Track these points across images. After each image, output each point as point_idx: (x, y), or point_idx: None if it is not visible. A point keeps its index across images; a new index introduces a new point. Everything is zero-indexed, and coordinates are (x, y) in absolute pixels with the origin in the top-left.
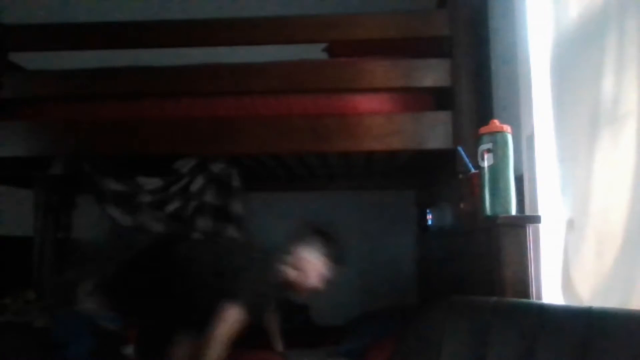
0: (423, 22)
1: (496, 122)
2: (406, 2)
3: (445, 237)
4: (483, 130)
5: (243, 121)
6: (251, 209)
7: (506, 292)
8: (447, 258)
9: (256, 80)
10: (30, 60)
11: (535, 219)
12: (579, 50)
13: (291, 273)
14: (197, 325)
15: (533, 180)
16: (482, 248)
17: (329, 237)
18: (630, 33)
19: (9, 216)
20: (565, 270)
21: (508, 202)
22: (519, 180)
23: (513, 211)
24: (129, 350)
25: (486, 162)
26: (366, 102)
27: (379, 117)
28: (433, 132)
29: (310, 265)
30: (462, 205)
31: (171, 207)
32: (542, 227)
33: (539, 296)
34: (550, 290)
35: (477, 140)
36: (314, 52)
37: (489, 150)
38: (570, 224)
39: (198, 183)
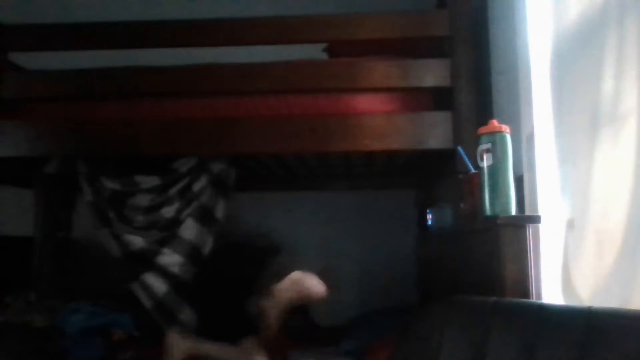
0: (423, 22)
1: (495, 122)
2: (406, 2)
3: (445, 237)
4: (482, 130)
5: (243, 121)
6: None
7: (506, 292)
8: (447, 258)
9: (256, 80)
10: (30, 60)
11: (535, 219)
12: (579, 51)
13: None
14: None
15: (533, 180)
16: (482, 248)
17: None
18: (630, 33)
19: (9, 216)
20: (565, 270)
21: (508, 202)
22: (519, 180)
23: (513, 211)
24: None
25: (485, 162)
26: (366, 102)
27: (379, 117)
28: (433, 132)
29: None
30: (462, 205)
31: (168, 210)
32: (542, 227)
33: (539, 296)
34: (550, 290)
35: (477, 140)
36: (314, 52)
37: (488, 151)
38: (570, 224)
39: (201, 183)
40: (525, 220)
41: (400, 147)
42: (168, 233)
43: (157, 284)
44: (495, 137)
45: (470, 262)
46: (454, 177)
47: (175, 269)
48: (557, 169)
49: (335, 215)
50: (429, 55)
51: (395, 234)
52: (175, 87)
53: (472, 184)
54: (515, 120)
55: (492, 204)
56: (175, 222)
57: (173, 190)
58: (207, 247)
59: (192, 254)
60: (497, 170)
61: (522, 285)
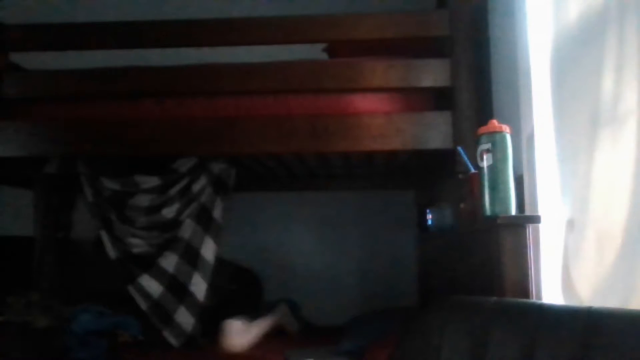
0: (423, 22)
1: (495, 122)
2: (406, 2)
3: (445, 237)
4: (482, 130)
5: (243, 121)
6: (250, 209)
7: (506, 292)
8: (447, 258)
9: (256, 80)
10: (30, 60)
11: (535, 219)
12: (579, 50)
13: None
14: None
15: (533, 180)
16: (482, 248)
17: None
18: (630, 33)
19: (9, 216)
20: (565, 270)
21: (508, 202)
22: (519, 180)
23: (513, 211)
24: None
25: (485, 162)
26: (366, 102)
27: (379, 117)
28: (433, 132)
29: None
30: (462, 205)
31: (169, 211)
32: (542, 227)
33: (539, 296)
34: (550, 290)
35: (477, 140)
36: (314, 52)
37: (488, 151)
38: (570, 224)
39: (200, 183)
40: (525, 220)
41: (400, 147)
42: (169, 235)
43: (153, 286)
44: (495, 137)
45: (470, 262)
46: (454, 177)
47: (171, 269)
48: (557, 169)
49: (335, 215)
50: (429, 55)
51: (395, 234)
52: (175, 87)
53: (472, 184)
54: (515, 120)
55: (492, 204)
56: (175, 223)
57: (173, 191)
58: (207, 248)
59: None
60: (497, 170)
61: (522, 285)
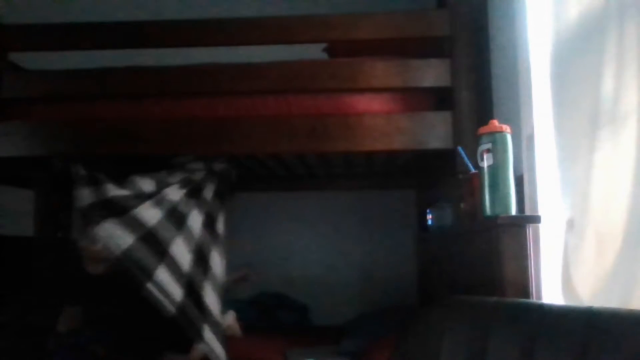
0: (423, 22)
1: (495, 122)
2: (406, 2)
3: (445, 237)
4: (482, 130)
5: (243, 121)
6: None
7: (506, 292)
8: (447, 258)
9: (256, 80)
10: (30, 60)
11: (535, 219)
12: (579, 50)
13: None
14: None
15: (533, 180)
16: (482, 248)
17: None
18: (630, 33)
19: (9, 216)
20: (565, 270)
21: (508, 202)
22: (519, 180)
23: (513, 211)
24: None
25: (485, 162)
26: (366, 102)
27: (379, 117)
28: (433, 132)
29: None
30: (462, 205)
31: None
32: (542, 227)
33: (539, 296)
34: (550, 290)
35: (477, 140)
36: (314, 52)
37: (488, 151)
38: (570, 224)
39: (200, 173)
40: (525, 220)
41: (400, 147)
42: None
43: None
44: (496, 137)
45: (470, 262)
46: (454, 177)
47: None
48: (557, 169)
49: (335, 215)
50: (429, 55)
51: (395, 234)
52: (175, 87)
53: (472, 184)
54: (515, 120)
55: (492, 204)
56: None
57: (172, 180)
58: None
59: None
60: (497, 170)
61: (522, 285)
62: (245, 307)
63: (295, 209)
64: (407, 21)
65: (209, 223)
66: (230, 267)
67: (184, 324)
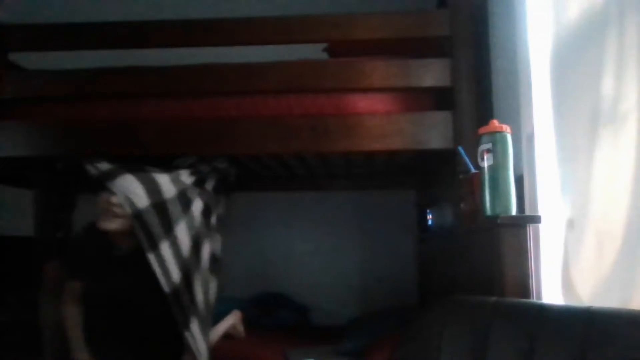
0: (423, 22)
1: (495, 122)
2: (406, 2)
3: (445, 237)
4: (482, 130)
5: (243, 121)
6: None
7: (506, 292)
8: (447, 258)
9: (256, 80)
10: (30, 60)
11: (535, 219)
12: (579, 50)
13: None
14: None
15: (533, 180)
16: (482, 248)
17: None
18: (630, 33)
19: (9, 216)
20: (565, 270)
21: (508, 202)
22: (519, 180)
23: (513, 211)
24: None
25: (486, 162)
26: (366, 102)
27: (379, 117)
28: (433, 132)
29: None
30: (462, 205)
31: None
32: (542, 227)
33: (539, 296)
34: (550, 290)
35: (477, 140)
36: (314, 52)
37: (488, 151)
38: (570, 224)
39: (206, 168)
40: (525, 220)
41: (400, 147)
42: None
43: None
44: (496, 137)
45: (470, 262)
46: (454, 177)
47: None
48: (557, 169)
49: (335, 215)
50: (429, 55)
51: (396, 234)
52: (176, 87)
53: (473, 184)
54: (515, 120)
55: (492, 204)
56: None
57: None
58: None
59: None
60: (497, 170)
61: (522, 285)
62: (245, 307)
63: (295, 209)
64: (407, 21)
65: (206, 214)
66: (230, 267)
67: (176, 309)
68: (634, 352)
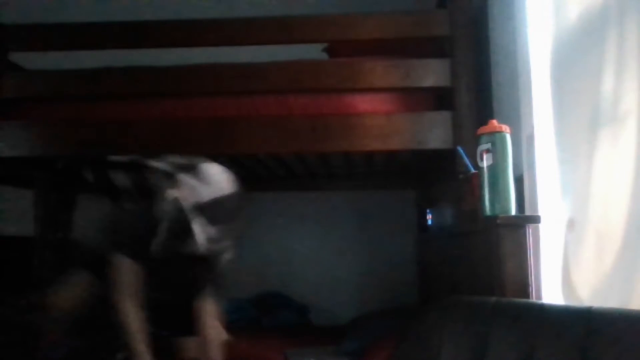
0: (423, 22)
1: (494, 122)
2: (406, 2)
3: (445, 238)
4: (481, 130)
5: (243, 121)
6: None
7: (506, 292)
8: (446, 258)
9: (256, 80)
10: (30, 60)
11: (535, 219)
12: (579, 51)
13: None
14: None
15: (533, 180)
16: (482, 248)
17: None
18: (630, 33)
19: (9, 216)
20: (565, 270)
21: (508, 202)
22: (519, 180)
23: (513, 211)
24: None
25: (485, 162)
26: (366, 102)
27: (379, 117)
28: (433, 132)
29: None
30: (462, 205)
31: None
32: (542, 227)
33: (539, 296)
34: (550, 290)
35: (477, 140)
36: (314, 52)
37: (487, 151)
38: (570, 224)
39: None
40: (525, 220)
41: (400, 147)
42: None
43: None
44: (495, 137)
45: (470, 262)
46: (454, 177)
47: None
48: (557, 169)
49: (335, 215)
50: (429, 55)
51: (395, 234)
52: (175, 87)
53: (472, 184)
54: (515, 120)
55: (492, 204)
56: None
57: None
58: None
59: None
60: (497, 170)
61: (522, 285)
62: (245, 307)
63: (295, 209)
64: (407, 21)
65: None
66: (230, 267)
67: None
68: (634, 352)
